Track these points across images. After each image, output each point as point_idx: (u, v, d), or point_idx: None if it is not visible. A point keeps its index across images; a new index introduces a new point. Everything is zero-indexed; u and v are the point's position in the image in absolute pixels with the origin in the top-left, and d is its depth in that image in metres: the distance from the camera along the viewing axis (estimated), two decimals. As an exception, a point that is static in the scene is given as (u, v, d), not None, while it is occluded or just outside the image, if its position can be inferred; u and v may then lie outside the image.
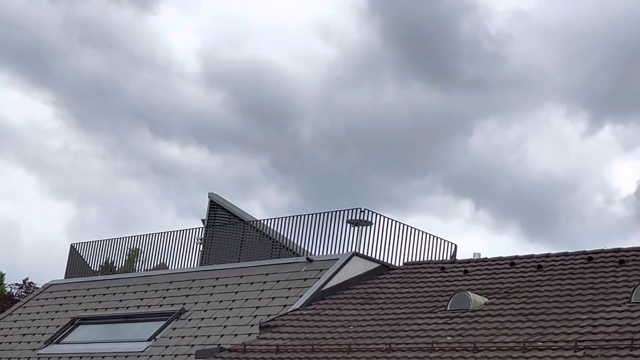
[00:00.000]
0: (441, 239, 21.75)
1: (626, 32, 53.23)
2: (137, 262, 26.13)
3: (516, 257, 18.91)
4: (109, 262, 26.40)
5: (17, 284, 63.43)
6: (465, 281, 18.55)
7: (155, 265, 25.24)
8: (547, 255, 18.58)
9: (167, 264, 24.79)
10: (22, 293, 57.52)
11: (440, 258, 21.39)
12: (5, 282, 62.53)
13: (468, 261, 19.75)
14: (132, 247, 26.02)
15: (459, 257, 21.52)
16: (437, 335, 15.63)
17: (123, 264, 26.31)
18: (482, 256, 19.93)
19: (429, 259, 21.15)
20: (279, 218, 22.35)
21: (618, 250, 17.81)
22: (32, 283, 58.99)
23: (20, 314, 25.63)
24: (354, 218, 20.78)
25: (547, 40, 58.52)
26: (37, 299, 26.13)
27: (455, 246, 21.97)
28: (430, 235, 21.59)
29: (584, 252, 18.12)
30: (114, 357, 20.68)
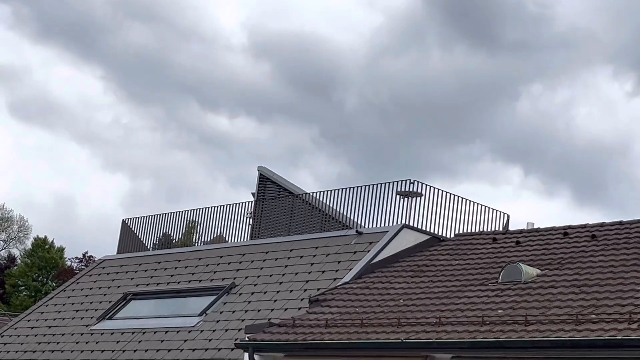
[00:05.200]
0: (493, 209, 21.40)
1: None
2: (196, 235, 26.11)
3: (569, 227, 18.51)
4: (167, 235, 26.40)
5: (77, 258, 64.18)
6: (517, 252, 18.20)
7: (212, 237, 25.19)
8: (602, 225, 18.17)
9: (225, 237, 24.74)
10: (82, 266, 58.22)
11: (492, 228, 21.04)
12: (65, 256, 63.38)
13: (520, 232, 19.39)
14: (188, 219, 25.98)
15: (511, 227, 21.16)
16: (487, 309, 15.34)
17: (181, 237, 26.30)
18: (535, 226, 19.55)
19: (481, 229, 20.81)
20: (328, 190, 22.20)
21: (675, 218, 17.35)
22: (92, 256, 59.61)
23: (73, 290, 25.80)
24: (403, 189, 20.51)
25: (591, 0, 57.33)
26: (90, 275, 26.27)
27: (508, 216, 21.62)
28: (481, 205, 21.24)
29: (639, 221, 17.66)
30: (166, 332, 20.72)
